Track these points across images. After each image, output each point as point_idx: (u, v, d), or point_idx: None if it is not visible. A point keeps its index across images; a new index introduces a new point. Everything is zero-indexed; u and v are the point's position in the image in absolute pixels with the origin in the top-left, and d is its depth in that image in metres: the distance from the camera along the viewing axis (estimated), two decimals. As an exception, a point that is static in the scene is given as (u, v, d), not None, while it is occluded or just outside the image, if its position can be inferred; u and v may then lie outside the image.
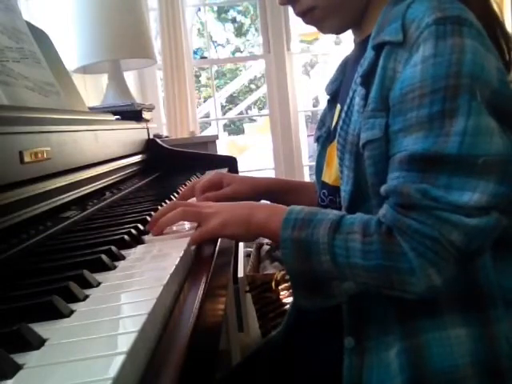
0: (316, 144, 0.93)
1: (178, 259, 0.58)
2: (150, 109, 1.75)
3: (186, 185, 1.25)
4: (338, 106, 0.84)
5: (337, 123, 0.81)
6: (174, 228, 0.77)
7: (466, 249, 0.60)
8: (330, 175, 0.84)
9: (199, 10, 4.39)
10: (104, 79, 2.16)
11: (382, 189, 0.66)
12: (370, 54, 0.72)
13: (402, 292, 0.63)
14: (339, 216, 0.66)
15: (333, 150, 0.82)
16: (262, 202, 0.94)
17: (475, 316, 0.66)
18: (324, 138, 0.89)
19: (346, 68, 0.89)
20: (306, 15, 0.79)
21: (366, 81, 0.71)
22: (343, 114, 0.76)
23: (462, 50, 0.63)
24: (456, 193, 0.60)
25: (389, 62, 0.68)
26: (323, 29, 0.82)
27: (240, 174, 1.63)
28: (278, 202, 1.04)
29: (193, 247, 0.68)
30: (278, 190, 1.01)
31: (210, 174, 1.00)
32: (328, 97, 0.92)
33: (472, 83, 0.62)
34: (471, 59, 0.63)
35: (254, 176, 1.06)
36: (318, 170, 0.89)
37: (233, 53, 7.39)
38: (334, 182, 0.82)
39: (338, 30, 0.84)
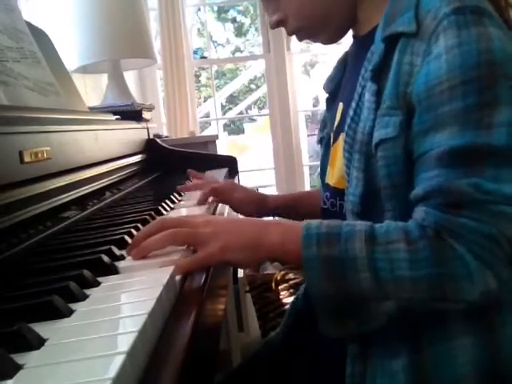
0: (319, 146, 0.91)
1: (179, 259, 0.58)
2: (150, 109, 1.75)
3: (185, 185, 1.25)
4: (341, 105, 0.81)
5: (339, 123, 0.80)
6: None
7: None
8: (332, 176, 0.81)
9: (199, 9, 4.40)
10: (104, 79, 2.16)
11: (418, 190, 0.61)
12: (378, 47, 0.68)
13: (454, 302, 0.58)
14: (369, 226, 0.60)
15: (335, 150, 0.80)
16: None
17: (480, 323, 0.63)
18: (327, 139, 0.87)
19: (346, 65, 0.88)
20: (297, 35, 0.81)
21: (377, 76, 0.67)
22: (351, 112, 0.72)
23: (488, 38, 0.60)
24: (507, 185, 0.57)
25: (404, 56, 0.65)
26: (319, 42, 0.82)
27: (240, 173, 1.63)
28: (287, 216, 1.06)
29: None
30: (285, 206, 1.04)
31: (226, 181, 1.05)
32: (327, 95, 0.90)
33: (505, 72, 0.60)
34: (500, 47, 0.60)
35: (261, 193, 1.07)
36: (322, 172, 0.87)
37: (233, 53, 7.39)
38: (336, 184, 0.79)
39: (335, 40, 0.81)
